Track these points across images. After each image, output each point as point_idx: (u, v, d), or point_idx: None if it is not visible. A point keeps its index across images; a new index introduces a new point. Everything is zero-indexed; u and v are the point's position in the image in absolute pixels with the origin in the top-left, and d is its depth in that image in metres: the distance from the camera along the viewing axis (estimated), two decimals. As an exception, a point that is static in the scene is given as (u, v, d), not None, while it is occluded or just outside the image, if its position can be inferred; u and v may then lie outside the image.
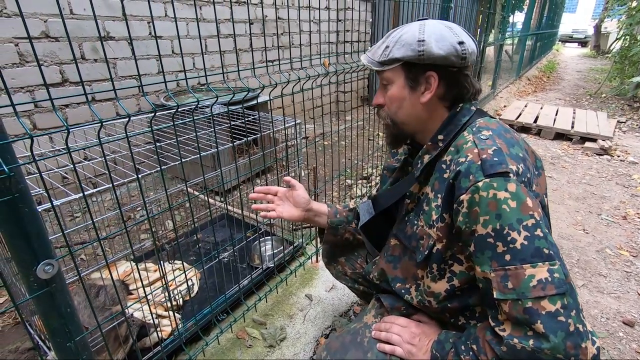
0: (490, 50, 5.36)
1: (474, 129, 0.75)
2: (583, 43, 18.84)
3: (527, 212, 0.64)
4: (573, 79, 8.47)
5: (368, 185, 2.68)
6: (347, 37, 4.22)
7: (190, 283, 1.41)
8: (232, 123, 1.51)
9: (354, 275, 1.19)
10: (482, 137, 0.72)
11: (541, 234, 0.64)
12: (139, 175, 0.90)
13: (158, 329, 1.24)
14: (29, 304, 1.16)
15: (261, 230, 1.64)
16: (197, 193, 1.83)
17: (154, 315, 1.29)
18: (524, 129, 4.26)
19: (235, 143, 1.18)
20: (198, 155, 1.07)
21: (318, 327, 1.46)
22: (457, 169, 0.70)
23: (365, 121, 3.05)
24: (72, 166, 0.76)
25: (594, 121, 4.21)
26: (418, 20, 0.79)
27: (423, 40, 0.74)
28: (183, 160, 1.02)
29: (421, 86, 0.78)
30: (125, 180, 0.93)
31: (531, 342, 0.62)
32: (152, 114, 0.88)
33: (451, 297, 0.80)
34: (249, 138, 1.29)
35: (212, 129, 1.17)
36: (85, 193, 0.76)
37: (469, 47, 0.75)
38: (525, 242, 0.63)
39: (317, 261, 1.77)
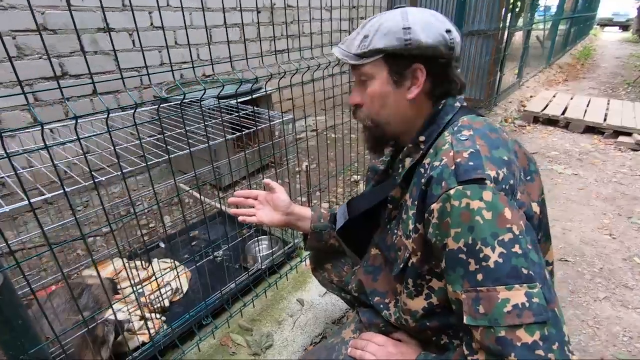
0: (518, 36, 5.01)
1: (455, 129, 0.66)
2: (624, 27, 17.49)
3: (504, 225, 0.55)
4: (610, 67, 7.85)
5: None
6: (361, 25, 4.05)
7: (169, 287, 1.36)
8: (227, 117, 1.44)
9: (340, 283, 1.12)
10: (461, 137, 0.63)
11: (519, 251, 0.54)
12: (102, 178, 0.84)
13: (139, 332, 1.20)
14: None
15: (250, 231, 1.58)
16: (187, 188, 1.79)
17: (137, 318, 1.26)
18: (550, 121, 3.97)
19: (213, 142, 1.11)
20: (179, 153, 1.00)
21: (308, 334, 1.39)
22: (430, 174, 0.62)
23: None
24: (35, 166, 0.71)
25: (630, 113, 3.86)
26: (397, 7, 0.69)
27: (409, 28, 0.64)
28: (156, 160, 0.96)
29: (407, 80, 0.69)
30: (86, 184, 0.87)
31: None
32: (132, 110, 0.82)
33: (430, 316, 0.72)
34: (232, 136, 1.21)
35: (204, 124, 1.10)
36: (32, 200, 0.71)
37: (455, 36, 0.67)
38: (500, 260, 0.54)
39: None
